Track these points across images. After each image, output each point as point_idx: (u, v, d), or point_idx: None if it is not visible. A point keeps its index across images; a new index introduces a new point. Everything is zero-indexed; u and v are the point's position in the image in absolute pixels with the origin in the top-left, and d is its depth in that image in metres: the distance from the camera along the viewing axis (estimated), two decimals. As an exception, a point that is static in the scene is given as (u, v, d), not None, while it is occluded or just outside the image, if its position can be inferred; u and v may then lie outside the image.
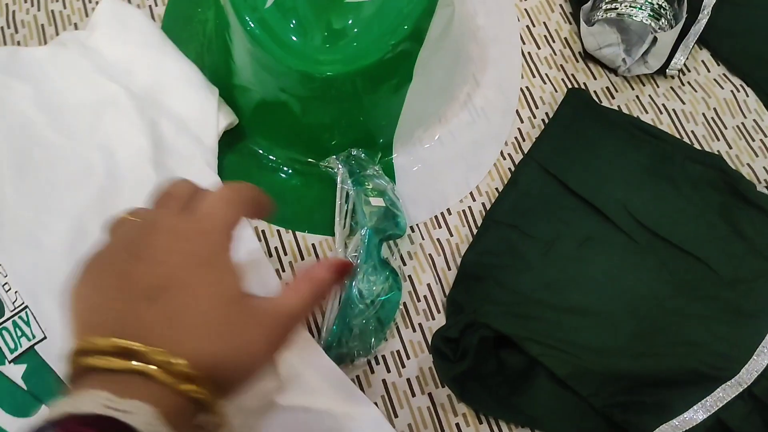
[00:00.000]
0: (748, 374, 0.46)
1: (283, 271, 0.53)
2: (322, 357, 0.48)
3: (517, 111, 0.59)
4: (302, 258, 0.54)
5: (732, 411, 0.45)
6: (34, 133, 0.54)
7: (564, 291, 0.51)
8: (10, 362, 0.49)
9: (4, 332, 0.50)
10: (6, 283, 0.51)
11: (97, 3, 0.62)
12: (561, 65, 0.61)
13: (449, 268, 0.53)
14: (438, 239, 0.55)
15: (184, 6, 0.64)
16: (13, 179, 0.52)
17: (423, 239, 0.54)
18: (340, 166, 0.53)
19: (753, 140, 0.59)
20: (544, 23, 0.63)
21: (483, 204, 0.56)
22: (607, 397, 0.46)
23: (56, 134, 0.54)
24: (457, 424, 0.49)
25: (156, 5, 0.63)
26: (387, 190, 0.52)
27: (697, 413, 0.46)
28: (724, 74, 0.61)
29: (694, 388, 0.46)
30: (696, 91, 0.60)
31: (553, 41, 0.62)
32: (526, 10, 0.64)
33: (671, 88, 0.61)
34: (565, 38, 0.62)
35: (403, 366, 0.51)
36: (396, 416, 0.49)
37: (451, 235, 0.55)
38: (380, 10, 0.50)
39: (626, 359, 0.47)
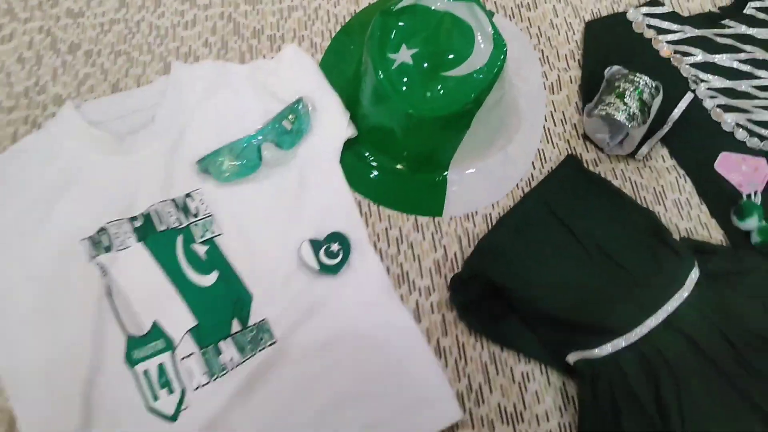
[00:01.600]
0: (634, 335, 0.75)
1: (368, 226, 0.86)
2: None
3: (533, 162, 0.92)
4: (380, 220, 0.86)
5: (623, 355, 0.75)
6: (228, 120, 0.89)
7: (537, 272, 0.81)
8: (198, 243, 0.82)
9: (197, 226, 0.83)
10: (201, 200, 0.85)
11: (279, 47, 0.97)
12: (567, 140, 0.94)
13: (469, 246, 0.85)
14: (466, 228, 0.87)
15: (333, 59, 0.99)
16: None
17: (457, 225, 0.87)
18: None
19: (683, 209, 0.90)
20: (562, 111, 0.96)
21: (498, 213, 0.88)
22: (550, 332, 0.77)
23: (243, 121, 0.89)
24: (456, 334, 0.80)
25: (316, 53, 0.99)
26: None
27: (603, 350, 0.75)
28: (674, 165, 0.93)
29: (600, 336, 0.76)
30: (652, 172, 0.92)
31: (566, 123, 0.95)
32: (552, 101, 0.97)
33: (637, 167, 0.92)
34: (574, 123, 0.95)
35: (429, 294, 0.82)
36: (419, 322, 0.80)
37: (475, 227, 0.87)
38: (459, 83, 0.84)
39: (567, 314, 0.78)
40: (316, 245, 0.81)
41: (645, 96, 0.89)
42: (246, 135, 0.86)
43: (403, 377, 0.76)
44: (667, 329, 0.76)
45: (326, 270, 0.80)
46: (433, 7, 0.87)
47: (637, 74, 0.90)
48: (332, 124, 0.90)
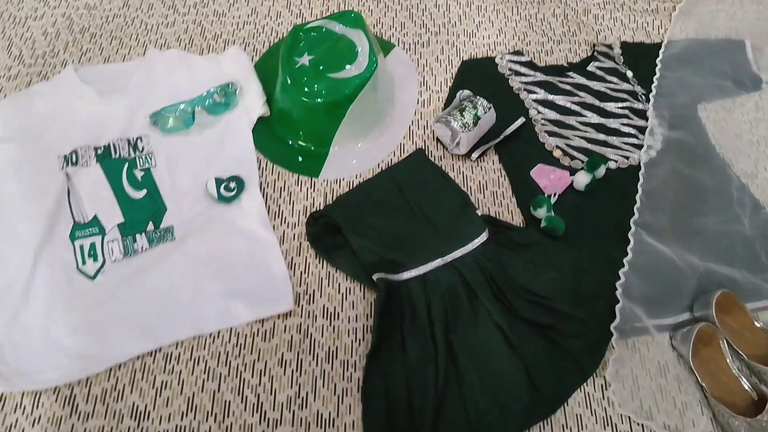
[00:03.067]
0: (423, 268, 1.06)
1: (260, 173, 1.19)
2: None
3: (394, 151, 1.24)
4: (271, 173, 1.19)
5: (412, 280, 1.06)
6: (180, 91, 1.24)
7: (371, 219, 1.13)
8: (138, 170, 1.17)
9: (140, 158, 1.17)
10: (147, 143, 1.19)
11: (230, 45, 1.33)
12: (424, 139, 1.26)
13: (332, 200, 1.17)
14: (333, 188, 1.19)
15: (266, 62, 1.34)
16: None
17: (326, 185, 1.19)
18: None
19: (497, 199, 1.21)
20: (427, 120, 1.29)
21: (359, 181, 1.20)
22: (368, 259, 1.08)
23: (190, 93, 1.24)
24: (306, 256, 1.11)
25: (256, 56, 1.34)
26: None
27: (400, 276, 1.06)
28: (500, 168, 1.24)
29: (400, 267, 1.06)
30: (482, 171, 1.24)
31: (427, 129, 1.28)
32: (422, 112, 1.30)
33: (471, 166, 1.24)
34: (432, 130, 1.28)
35: (294, 227, 1.14)
36: (282, 244, 1.12)
37: (340, 189, 1.19)
38: (340, 82, 1.18)
39: (383, 249, 1.09)
40: (218, 181, 1.14)
41: (479, 112, 1.21)
42: (186, 99, 1.20)
43: (260, 272, 1.08)
44: (448, 269, 1.07)
45: (222, 199, 1.13)
46: (333, 29, 1.22)
47: (478, 96, 1.23)
48: (252, 103, 1.25)
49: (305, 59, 1.20)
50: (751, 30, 1.47)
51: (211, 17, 1.38)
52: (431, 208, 1.14)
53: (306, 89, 1.18)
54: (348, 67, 1.19)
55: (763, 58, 1.43)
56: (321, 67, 1.20)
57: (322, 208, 1.17)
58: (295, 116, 1.22)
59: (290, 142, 1.24)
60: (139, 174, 1.16)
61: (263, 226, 1.13)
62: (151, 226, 1.11)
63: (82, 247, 1.08)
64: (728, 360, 1.03)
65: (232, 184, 1.14)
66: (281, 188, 1.19)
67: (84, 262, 1.07)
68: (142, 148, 1.18)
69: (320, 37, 1.22)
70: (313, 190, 1.19)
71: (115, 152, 1.17)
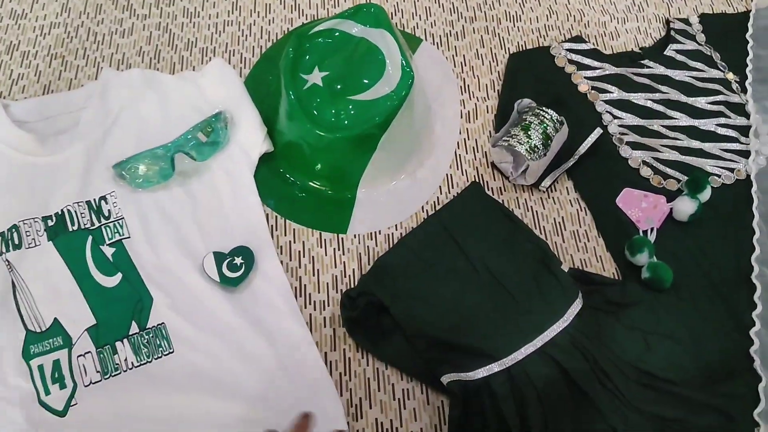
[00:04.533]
0: (509, 360, 0.79)
1: (273, 238, 0.89)
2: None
3: (440, 187, 0.95)
4: (285, 234, 0.90)
5: (495, 378, 0.79)
6: (150, 128, 0.93)
7: (427, 292, 0.85)
8: (107, 245, 0.86)
9: (107, 228, 0.87)
10: (115, 202, 0.88)
11: (209, 60, 1.01)
12: (477, 167, 0.97)
13: (368, 263, 0.89)
14: (367, 246, 0.90)
15: (259, 74, 1.02)
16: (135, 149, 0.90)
17: (359, 243, 0.90)
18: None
19: (580, 241, 0.93)
20: (475, 139, 1.00)
21: (401, 233, 0.91)
22: (430, 352, 0.80)
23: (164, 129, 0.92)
24: (344, 349, 0.83)
25: (245, 68, 1.02)
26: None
27: (477, 374, 0.79)
28: (577, 198, 0.96)
29: (475, 360, 0.79)
30: (555, 203, 0.96)
31: (477, 151, 0.99)
32: (467, 129, 1.01)
33: (540, 198, 0.96)
34: (485, 152, 0.99)
35: (324, 309, 0.86)
36: (312, 333, 0.83)
37: (376, 246, 0.90)
38: (366, 107, 0.88)
39: (447, 335, 0.81)
40: (219, 258, 0.85)
41: (549, 130, 0.92)
42: (163, 144, 0.89)
43: (294, 385, 0.80)
44: (540, 356, 0.80)
45: (227, 282, 0.84)
46: (348, 32, 0.91)
47: (544, 108, 0.94)
48: (249, 138, 0.94)
49: (316, 77, 0.89)
50: None
51: (180, 18, 1.06)
52: (502, 268, 0.86)
53: (322, 119, 0.88)
54: (376, 83, 0.89)
55: None
56: (339, 87, 0.89)
57: (357, 279, 0.88)
58: (308, 152, 0.92)
59: (303, 187, 0.95)
60: (108, 251, 0.85)
61: (291, 316, 0.84)
62: (134, 327, 0.82)
63: (41, 369, 0.79)
64: None
65: (238, 260, 0.85)
66: (300, 253, 0.90)
67: (47, 391, 0.78)
68: (109, 213, 0.88)
69: (332, 44, 0.91)
70: (342, 252, 0.90)
71: (72, 222, 0.86)
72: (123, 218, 0.87)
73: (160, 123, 0.94)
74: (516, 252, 0.88)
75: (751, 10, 1.15)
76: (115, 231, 0.87)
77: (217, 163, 0.92)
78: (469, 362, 0.80)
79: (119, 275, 0.84)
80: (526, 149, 0.91)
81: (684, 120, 1.03)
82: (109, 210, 0.88)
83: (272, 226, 0.91)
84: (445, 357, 0.81)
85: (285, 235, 0.90)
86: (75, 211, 0.87)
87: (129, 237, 0.86)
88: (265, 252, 0.87)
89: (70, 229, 0.86)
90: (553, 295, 0.85)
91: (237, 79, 0.97)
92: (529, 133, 0.92)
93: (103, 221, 0.87)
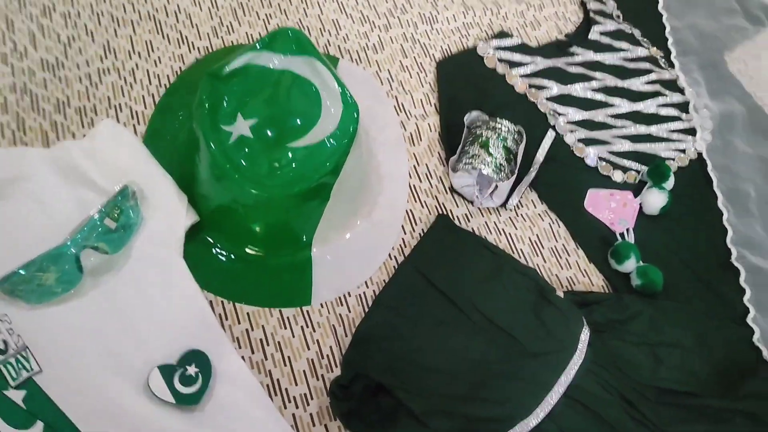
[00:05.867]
0: (534, 419, 0.69)
1: (225, 330, 0.73)
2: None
3: (402, 226, 0.83)
4: (239, 321, 0.74)
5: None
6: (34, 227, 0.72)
7: (424, 355, 0.73)
8: (13, 388, 0.66)
9: (8, 365, 0.66)
10: (10, 328, 0.68)
11: (92, 121, 0.82)
12: (435, 196, 0.86)
13: (346, 335, 0.75)
14: (340, 314, 0.76)
15: (158, 129, 0.84)
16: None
17: (329, 313, 0.76)
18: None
19: (561, 257, 0.85)
20: (426, 164, 0.88)
21: (373, 291, 0.78)
22: (443, 428, 0.68)
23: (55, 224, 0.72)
24: (344, 448, 0.69)
25: (138, 124, 0.84)
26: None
27: (503, 441, 0.68)
28: (546, 210, 0.88)
29: (500, 424, 0.69)
30: (525, 221, 0.87)
31: (431, 177, 0.87)
32: (414, 153, 0.89)
33: (510, 218, 0.87)
34: (440, 177, 0.88)
35: (308, 404, 0.71)
36: (300, 438, 0.69)
37: (350, 312, 0.77)
38: (311, 153, 0.73)
39: (461, 404, 0.70)
40: (167, 371, 0.67)
41: (509, 143, 0.83)
42: (58, 243, 0.69)
43: None
44: (567, 403, 0.71)
45: (185, 401, 0.67)
46: (268, 66, 0.75)
47: (498, 120, 0.84)
48: (167, 211, 0.76)
49: (242, 127, 0.73)
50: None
51: (39, 73, 0.84)
52: (495, 308, 0.76)
53: (257, 174, 0.72)
54: (315, 123, 0.75)
55: (763, -20, 1.16)
56: (272, 134, 0.74)
57: (340, 359, 0.74)
58: (244, 214, 0.76)
59: (244, 257, 0.79)
60: (17, 396, 0.65)
61: (270, 422, 0.69)
62: (74, 491, 0.63)
63: None
64: None
65: (191, 369, 0.68)
66: (262, 342, 0.74)
67: None
68: (5, 345, 0.67)
69: (251, 82, 0.75)
70: (312, 329, 0.75)
71: (-43, 369, 0.65)
72: (26, 348, 0.67)
73: (45, 215, 0.74)
74: (506, 286, 0.78)
75: (657, -19, 1.12)
76: (21, 367, 0.66)
77: (135, 251, 0.74)
78: (493, 429, 0.69)
79: (39, 425, 0.64)
80: (493, 169, 0.81)
81: (625, 106, 0.98)
82: (4, 341, 0.67)
83: (220, 315, 0.74)
84: (464, 429, 0.69)
85: (239, 323, 0.74)
86: (-44, 353, 0.66)
87: (40, 371, 0.67)
88: (221, 350, 0.71)
89: (-44, 379, 0.65)
90: (559, 329, 0.76)
91: (135, 140, 0.79)
92: (490, 150, 0.82)
93: (1, 357, 0.66)
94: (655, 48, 1.05)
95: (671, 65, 1.03)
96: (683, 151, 0.96)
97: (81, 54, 0.86)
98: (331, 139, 0.74)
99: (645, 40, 1.05)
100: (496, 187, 0.82)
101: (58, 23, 0.87)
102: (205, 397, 0.68)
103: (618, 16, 1.07)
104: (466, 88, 0.94)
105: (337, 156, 0.73)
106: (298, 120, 0.75)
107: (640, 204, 0.90)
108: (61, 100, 0.83)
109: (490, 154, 0.82)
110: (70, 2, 0.89)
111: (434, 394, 0.70)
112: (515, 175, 0.83)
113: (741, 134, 0.99)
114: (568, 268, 0.85)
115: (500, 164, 0.82)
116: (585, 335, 0.75)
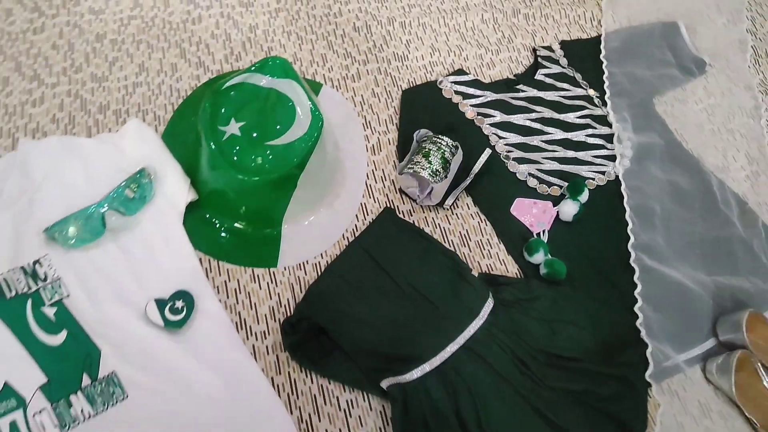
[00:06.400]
0: (438, 359, 0.89)
1: (208, 280, 0.95)
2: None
3: (357, 215, 1.05)
4: (220, 274, 0.97)
5: (428, 377, 0.88)
6: (76, 191, 0.97)
7: (360, 312, 0.94)
8: (47, 306, 0.89)
9: (45, 290, 0.90)
10: (49, 264, 0.92)
11: (124, 121, 1.07)
12: (387, 194, 1.08)
13: (301, 292, 0.97)
14: (298, 276, 0.98)
15: (174, 129, 1.09)
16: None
17: (290, 275, 0.98)
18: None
19: (484, 249, 1.05)
20: (382, 169, 1.10)
21: (327, 261, 1.00)
22: (369, 364, 0.89)
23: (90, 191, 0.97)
24: (288, 372, 0.91)
25: (159, 125, 1.09)
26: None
27: (412, 375, 0.88)
28: (477, 212, 1.09)
29: (409, 364, 0.89)
30: (458, 219, 1.08)
31: (385, 180, 1.09)
32: (374, 161, 1.11)
33: (446, 215, 1.08)
34: (392, 180, 1.10)
35: (265, 338, 0.93)
36: (258, 361, 0.90)
37: (306, 275, 0.99)
38: (283, 150, 0.96)
39: (382, 346, 0.90)
40: (161, 304, 0.90)
41: (446, 155, 1.04)
42: (91, 204, 0.94)
43: (248, 415, 0.86)
44: (465, 353, 0.91)
45: (171, 325, 0.89)
46: (259, 84, 0.99)
47: (440, 136, 1.06)
48: (174, 190, 1.00)
49: (233, 127, 0.97)
50: (679, 10, 1.40)
51: (89, 84, 1.10)
52: (422, 281, 0.97)
53: (243, 165, 0.95)
54: (289, 129, 0.98)
55: (698, 38, 1.37)
56: (255, 135, 0.98)
57: (293, 307, 0.96)
58: (233, 197, 0.99)
59: (230, 229, 1.02)
60: (50, 311, 0.89)
61: (235, 349, 0.90)
62: (86, 379, 0.85)
63: (-3, 433, 0.81)
64: (765, 383, 0.95)
65: (179, 303, 0.91)
66: (236, 290, 0.96)
67: (6, 455, 0.80)
68: (45, 276, 0.91)
69: (244, 96, 0.99)
70: (275, 284, 0.98)
71: (10, 289, 0.89)
72: (60, 278, 0.91)
73: (85, 186, 0.98)
74: (432, 265, 0.99)
75: (602, 35, 1.33)
76: (54, 292, 0.90)
77: (147, 216, 0.97)
78: (404, 367, 0.89)
79: (64, 332, 0.88)
80: (429, 173, 1.03)
81: (558, 134, 1.18)
82: (44, 272, 0.91)
83: (206, 269, 0.97)
84: (383, 366, 0.90)
85: (220, 275, 0.97)
86: (10, 279, 0.90)
87: (69, 296, 0.90)
88: (204, 293, 0.94)
89: (8, 297, 0.89)
90: (468, 298, 0.96)
91: (155, 136, 1.04)
92: (429, 159, 1.04)
93: (41, 284, 0.90)
94: (592, 90, 1.25)
95: (605, 104, 1.23)
96: (603, 173, 1.15)
97: (121, 70, 1.12)
98: (299, 141, 0.97)
99: (584, 82, 1.26)
100: (432, 188, 1.03)
101: (107, 47, 1.14)
102: (186, 325, 0.90)
103: (563, 62, 1.28)
104: (424, 111, 1.17)
105: (303, 154, 0.96)
106: (277, 125, 0.98)
107: (558, 212, 1.09)
108: (103, 104, 1.09)
109: (429, 162, 1.03)
110: (118, 31, 1.15)
111: (363, 340, 0.91)
112: (449, 180, 1.05)
113: (657, 162, 1.17)
114: (489, 258, 1.05)
115: (436, 170, 1.03)
116: (488, 305, 0.95)
